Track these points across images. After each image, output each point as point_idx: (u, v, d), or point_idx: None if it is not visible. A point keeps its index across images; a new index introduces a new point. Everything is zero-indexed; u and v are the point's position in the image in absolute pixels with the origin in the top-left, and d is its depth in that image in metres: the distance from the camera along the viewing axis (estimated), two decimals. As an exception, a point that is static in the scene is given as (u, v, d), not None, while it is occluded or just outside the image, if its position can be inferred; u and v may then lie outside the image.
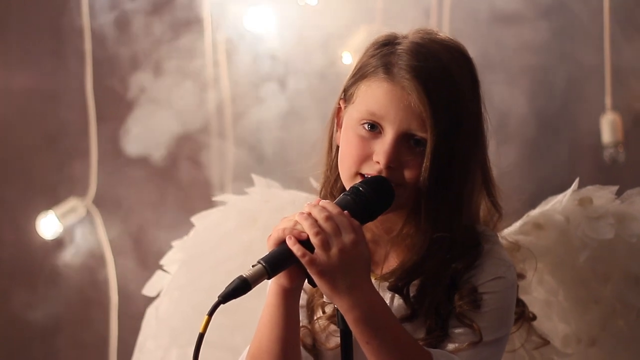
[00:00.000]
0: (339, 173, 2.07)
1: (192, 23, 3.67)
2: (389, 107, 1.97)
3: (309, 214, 1.89)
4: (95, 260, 3.73)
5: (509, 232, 2.29)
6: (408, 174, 1.98)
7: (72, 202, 3.69)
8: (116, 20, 3.70)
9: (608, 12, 3.32)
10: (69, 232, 3.70)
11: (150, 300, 2.51)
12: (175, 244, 2.51)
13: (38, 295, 3.80)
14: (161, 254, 2.54)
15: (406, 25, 2.11)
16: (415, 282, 2.01)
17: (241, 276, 1.84)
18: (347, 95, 2.06)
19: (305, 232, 1.87)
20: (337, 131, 2.10)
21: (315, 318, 2.07)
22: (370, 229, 2.06)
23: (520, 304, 2.17)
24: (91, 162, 3.71)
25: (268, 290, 1.98)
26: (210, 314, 1.83)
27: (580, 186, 2.34)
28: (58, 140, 3.80)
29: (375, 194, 1.96)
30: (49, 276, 3.80)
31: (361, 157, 2.00)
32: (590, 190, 2.34)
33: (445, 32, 2.11)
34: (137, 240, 3.69)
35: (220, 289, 2.33)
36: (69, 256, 3.74)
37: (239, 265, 2.33)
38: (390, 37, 2.05)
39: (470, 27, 3.37)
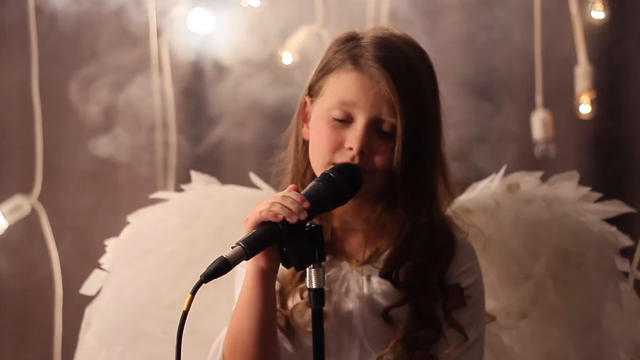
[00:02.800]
0: (307, 166, 2.18)
1: (137, 23, 3.70)
2: (360, 95, 2.09)
3: (284, 197, 1.99)
4: (40, 258, 3.73)
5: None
6: (379, 159, 2.09)
7: (17, 200, 3.70)
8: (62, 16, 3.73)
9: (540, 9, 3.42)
10: (13, 229, 3.70)
11: (91, 298, 2.53)
12: (110, 242, 2.53)
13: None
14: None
15: (345, 27, 2.22)
16: (401, 268, 2.12)
17: (222, 257, 1.93)
18: (313, 91, 2.17)
19: (281, 214, 1.97)
20: (303, 126, 2.19)
21: (292, 303, 2.16)
22: (343, 216, 2.19)
23: None
24: (37, 160, 3.72)
25: (246, 273, 2.06)
26: (193, 292, 1.91)
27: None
28: (1, 138, 3.81)
29: (345, 179, 2.07)
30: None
31: (334, 146, 2.11)
32: (516, 176, 2.49)
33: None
34: (82, 238, 3.69)
35: (168, 284, 2.42)
36: (13, 253, 3.75)
37: (185, 261, 2.43)
38: (351, 33, 2.17)
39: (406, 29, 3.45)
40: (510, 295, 2.42)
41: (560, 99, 3.49)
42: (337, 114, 2.10)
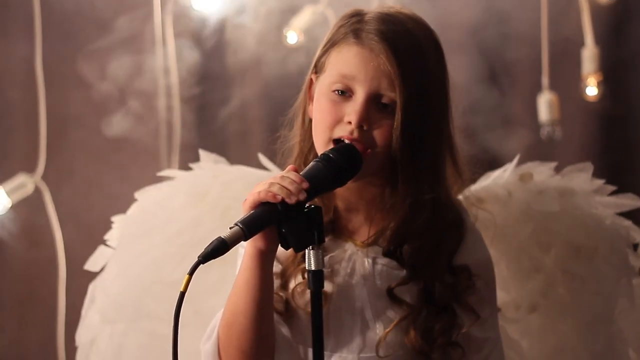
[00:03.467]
0: (311, 145, 2.16)
1: (140, 3, 3.70)
2: (359, 68, 2.07)
3: (283, 177, 1.98)
4: (43, 236, 3.72)
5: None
6: (378, 134, 2.07)
7: (20, 178, 3.68)
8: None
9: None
10: (17, 207, 3.68)
11: (95, 275, 2.51)
12: (116, 219, 2.51)
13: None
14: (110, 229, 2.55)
15: (350, 6, 2.19)
16: (405, 246, 2.11)
17: (219, 237, 1.91)
18: (317, 67, 2.16)
19: (279, 194, 1.95)
20: (309, 104, 2.18)
21: (293, 283, 2.15)
22: (347, 197, 2.17)
23: None
24: (40, 138, 3.71)
25: (244, 254, 2.05)
26: (191, 273, 1.88)
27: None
28: (4, 116, 3.78)
29: (345, 159, 2.05)
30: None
31: (334, 121, 2.09)
32: (530, 166, 2.46)
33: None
34: (86, 217, 3.68)
35: (172, 262, 2.41)
36: (16, 232, 3.74)
37: (189, 239, 2.41)
38: (357, 10, 2.16)
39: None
40: (520, 288, 2.40)
41: (566, 81, 3.47)
42: (337, 87, 2.09)
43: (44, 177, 3.72)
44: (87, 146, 3.76)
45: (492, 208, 2.36)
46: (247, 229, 1.93)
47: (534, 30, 3.45)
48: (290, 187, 1.96)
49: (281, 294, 2.15)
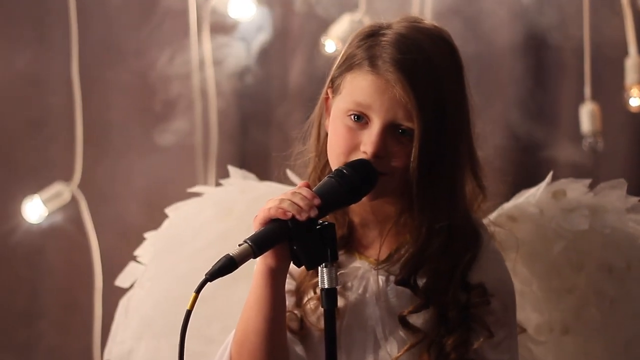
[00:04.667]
0: (327, 159, 2.12)
1: (176, 10, 3.68)
2: (374, 98, 2.02)
3: (294, 193, 1.95)
4: (80, 245, 3.73)
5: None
6: (395, 162, 2.03)
7: (57, 187, 3.69)
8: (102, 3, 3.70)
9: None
10: (54, 216, 3.69)
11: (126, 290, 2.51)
12: (149, 235, 2.51)
13: (22, 280, 3.81)
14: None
15: (389, 14, 2.15)
16: (419, 273, 2.07)
17: (228, 255, 1.88)
18: (334, 85, 2.11)
19: (290, 211, 1.91)
20: (325, 118, 2.14)
21: (305, 299, 2.11)
22: (361, 214, 2.13)
23: None
24: (76, 147, 3.71)
25: (255, 271, 2.02)
26: (198, 291, 1.87)
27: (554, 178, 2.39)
28: (42, 125, 3.80)
29: (359, 176, 2.00)
30: (33, 261, 3.81)
31: (349, 148, 2.04)
32: (563, 183, 2.40)
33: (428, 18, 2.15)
34: (122, 226, 3.69)
35: (198, 277, 2.38)
36: (53, 240, 3.75)
37: (216, 254, 2.29)
38: (374, 27, 2.09)
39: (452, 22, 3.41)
40: (553, 309, 2.35)
41: (609, 92, 3.41)
42: (353, 115, 2.05)
43: (81, 185, 3.72)
44: (124, 155, 3.76)
45: (525, 227, 2.32)
46: (256, 246, 1.90)
47: (576, 41, 3.40)
48: (301, 204, 1.93)
49: (295, 312, 2.12)
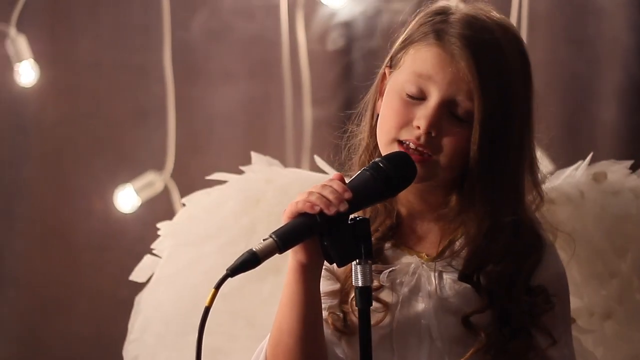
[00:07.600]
0: (377, 143, 2.04)
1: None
2: (436, 69, 1.96)
3: (324, 186, 1.87)
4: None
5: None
6: (447, 142, 1.95)
7: (149, 176, 3.70)
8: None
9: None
10: (146, 206, 3.70)
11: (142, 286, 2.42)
12: (162, 225, 2.42)
13: (125, 270, 3.81)
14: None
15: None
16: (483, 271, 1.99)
17: (251, 249, 1.82)
18: (393, 62, 2.05)
19: (318, 204, 1.84)
20: (379, 99, 2.07)
21: (350, 298, 2.03)
22: (410, 201, 2.05)
23: None
24: (169, 136, 3.70)
25: (288, 268, 1.95)
26: (217, 287, 1.81)
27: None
28: (146, 114, 3.81)
29: (396, 169, 1.91)
30: (132, 251, 3.80)
31: (401, 122, 1.97)
32: (604, 164, 2.31)
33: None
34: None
35: (224, 273, 2.28)
36: (145, 230, 3.73)
37: (243, 249, 2.25)
38: (443, 7, 2.04)
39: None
40: (594, 294, 2.27)
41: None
42: (411, 88, 1.97)
43: (173, 175, 3.72)
44: (216, 146, 3.73)
45: (564, 210, 2.24)
46: (281, 241, 1.82)
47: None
48: (331, 197, 1.84)
49: (338, 312, 2.04)
